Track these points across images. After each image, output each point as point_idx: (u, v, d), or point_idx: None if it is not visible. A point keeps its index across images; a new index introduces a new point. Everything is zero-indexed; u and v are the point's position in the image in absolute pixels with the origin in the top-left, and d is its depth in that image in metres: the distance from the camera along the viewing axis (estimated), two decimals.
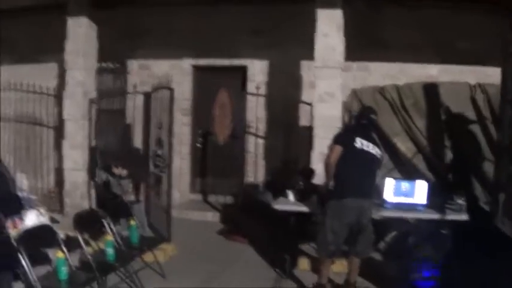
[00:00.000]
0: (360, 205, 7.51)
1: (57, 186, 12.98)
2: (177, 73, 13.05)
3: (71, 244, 7.10)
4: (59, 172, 12.68)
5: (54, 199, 12.51)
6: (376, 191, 8.34)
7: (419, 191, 8.44)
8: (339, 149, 7.52)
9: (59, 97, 12.74)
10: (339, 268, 8.48)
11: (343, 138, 7.72)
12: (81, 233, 7.34)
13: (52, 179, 13.53)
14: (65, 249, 6.64)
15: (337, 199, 7.52)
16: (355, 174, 7.49)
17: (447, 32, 11.66)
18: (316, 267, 8.25)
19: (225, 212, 12.30)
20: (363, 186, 7.56)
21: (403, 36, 11.88)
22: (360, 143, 7.55)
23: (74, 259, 7.08)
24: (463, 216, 7.95)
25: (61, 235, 7.26)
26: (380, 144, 8.03)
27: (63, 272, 6.39)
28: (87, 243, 7.46)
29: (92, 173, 11.62)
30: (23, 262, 6.03)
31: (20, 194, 10.33)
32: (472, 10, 11.21)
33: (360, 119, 8.09)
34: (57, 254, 6.51)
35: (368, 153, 7.61)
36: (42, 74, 13.33)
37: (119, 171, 10.92)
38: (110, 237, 7.51)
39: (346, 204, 7.45)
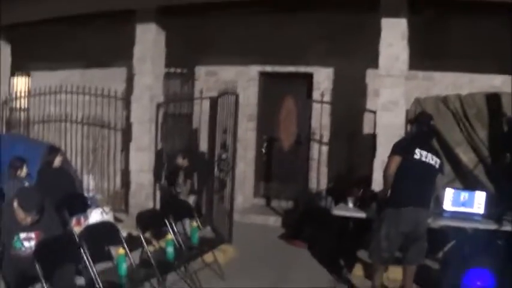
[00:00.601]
0: (416, 215, 7.61)
1: (123, 187, 13.32)
2: (244, 79, 13.27)
3: (133, 243, 7.35)
4: (125, 174, 13.04)
5: (120, 200, 12.83)
6: (436, 200, 8.42)
7: (478, 201, 8.55)
8: (397, 159, 7.63)
9: (127, 101, 13.09)
10: (395, 275, 8.54)
11: (403, 149, 7.77)
12: (143, 231, 7.58)
13: (118, 180, 13.86)
14: (126, 246, 6.87)
15: (394, 208, 7.62)
16: (413, 184, 7.56)
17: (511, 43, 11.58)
18: (370, 274, 8.35)
19: (287, 216, 12.41)
20: (420, 196, 7.64)
21: (467, 46, 11.82)
22: (419, 154, 7.63)
23: (135, 257, 7.31)
24: None
25: (123, 233, 7.50)
26: (439, 151, 8.11)
27: (123, 268, 6.61)
28: (149, 242, 7.69)
29: (157, 175, 11.90)
30: (85, 256, 6.27)
31: (86, 194, 10.72)
32: None
33: (421, 126, 8.12)
34: (119, 251, 6.73)
35: (426, 164, 7.68)
36: (111, 78, 13.73)
37: (182, 162, 11.18)
38: (170, 237, 7.74)
39: (403, 213, 7.56)
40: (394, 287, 8.37)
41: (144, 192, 11.99)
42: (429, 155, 7.70)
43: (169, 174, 11.64)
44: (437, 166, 7.79)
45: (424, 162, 7.65)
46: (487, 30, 11.61)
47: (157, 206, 11.59)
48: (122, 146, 13.83)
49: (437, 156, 7.91)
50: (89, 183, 12.33)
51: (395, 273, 8.59)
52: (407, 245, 7.80)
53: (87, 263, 6.27)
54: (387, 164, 7.79)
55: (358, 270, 9.09)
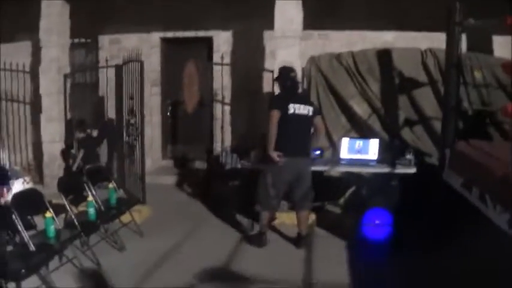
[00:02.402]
0: (297, 164, 8.41)
1: (35, 159, 13.46)
2: (146, 46, 13.47)
3: (54, 210, 7.64)
4: (36, 146, 13.21)
5: (33, 171, 13.00)
6: (333, 149, 9.13)
7: (372, 148, 9.31)
8: (277, 113, 8.25)
9: (33, 74, 13.22)
10: (291, 220, 9.30)
11: (278, 104, 8.40)
12: (65, 195, 7.96)
13: (30, 153, 13.91)
14: (51, 210, 7.25)
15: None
16: (292, 137, 8.32)
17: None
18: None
19: (195, 175, 12.89)
20: (300, 147, 8.43)
21: (361, 4, 12.55)
22: (292, 108, 8.35)
23: (59, 222, 7.62)
24: (412, 170, 8.78)
25: None
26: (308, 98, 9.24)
27: (52, 229, 7.00)
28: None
29: (68, 144, 12.15)
30: (17, 223, 6.62)
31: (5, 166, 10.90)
32: None
33: (284, 81, 8.75)
34: (46, 214, 7.08)
35: (301, 115, 8.43)
36: (17, 52, 13.69)
37: (78, 134, 11.69)
38: (90, 198, 8.13)
39: (285, 163, 8.25)
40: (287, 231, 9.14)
41: (57, 163, 12.16)
42: (301, 106, 8.43)
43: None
44: (310, 113, 8.52)
45: (298, 115, 8.38)
46: None
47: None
48: (31, 118, 13.90)
49: (309, 102, 8.74)
50: (2, 157, 12.44)
51: (290, 219, 9.34)
52: (294, 193, 8.58)
53: (19, 227, 6.58)
54: (270, 119, 8.30)
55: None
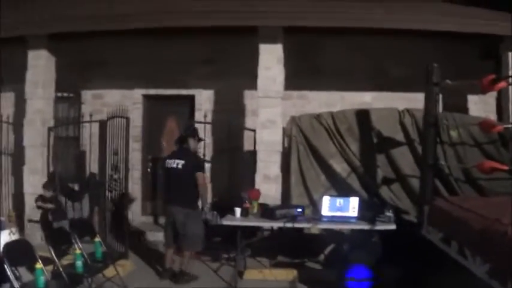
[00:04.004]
0: (170, 210, 9.68)
1: (15, 210, 13.42)
2: (129, 102, 13.51)
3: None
4: (17, 197, 13.23)
5: (13, 222, 12.98)
6: (314, 208, 9.36)
7: (352, 206, 9.48)
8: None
9: (15, 125, 13.30)
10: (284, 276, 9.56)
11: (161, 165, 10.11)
12: (54, 247, 8.04)
13: (10, 203, 13.82)
14: (40, 261, 7.34)
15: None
16: (169, 188, 9.76)
17: (381, 61, 12.85)
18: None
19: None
20: (175, 196, 9.54)
21: (339, 66, 12.97)
22: (168, 163, 9.63)
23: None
24: (391, 226, 8.95)
25: None
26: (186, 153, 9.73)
27: (42, 280, 7.08)
28: (52, 261, 8.06)
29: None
30: (9, 273, 6.73)
31: None
32: (404, 39, 12.26)
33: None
34: (36, 265, 7.16)
35: (175, 169, 9.51)
36: None
37: (47, 193, 11.50)
38: (78, 251, 8.21)
39: (166, 209, 9.91)
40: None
41: (39, 214, 11.86)
42: (176, 160, 9.58)
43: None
44: (179, 167, 9.49)
45: (172, 168, 9.59)
46: (358, 50, 12.85)
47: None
48: (12, 169, 13.86)
49: (184, 157, 9.59)
50: None
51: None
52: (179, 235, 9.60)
53: (12, 277, 6.70)
54: None
55: (249, 274, 9.89)
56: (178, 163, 9.46)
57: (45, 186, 11.64)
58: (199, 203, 9.78)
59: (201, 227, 9.61)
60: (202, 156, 12.03)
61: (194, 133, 9.90)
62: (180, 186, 9.41)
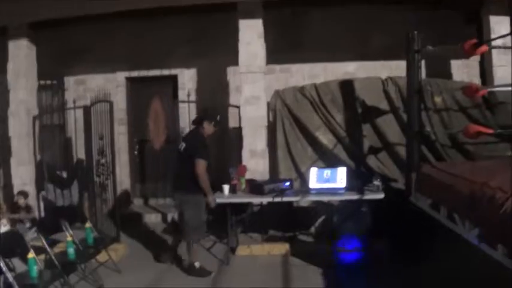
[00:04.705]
0: (175, 196, 9.22)
1: (5, 202, 13.34)
2: (112, 85, 13.49)
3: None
4: (6, 188, 13.20)
5: (3, 214, 12.94)
6: (302, 180, 9.33)
7: (340, 177, 9.46)
8: None
9: (0, 116, 13.14)
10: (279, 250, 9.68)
11: None
12: (45, 236, 8.04)
13: (0, 196, 13.70)
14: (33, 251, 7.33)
15: None
16: (174, 171, 9.46)
17: (363, 30, 12.80)
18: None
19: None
20: (176, 181, 9.21)
21: (321, 37, 12.93)
22: (179, 146, 9.16)
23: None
24: (380, 195, 8.98)
25: None
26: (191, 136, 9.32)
27: (34, 270, 7.08)
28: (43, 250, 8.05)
29: (39, 186, 12.20)
30: (2, 264, 6.74)
31: None
32: (385, 8, 12.34)
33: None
34: (29, 255, 7.13)
35: (179, 151, 9.12)
36: None
37: (22, 202, 11.36)
38: (69, 238, 8.20)
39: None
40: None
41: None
42: (183, 144, 9.12)
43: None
44: (181, 150, 9.09)
45: (180, 151, 9.11)
46: (339, 21, 12.81)
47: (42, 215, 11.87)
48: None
49: (188, 140, 9.18)
50: None
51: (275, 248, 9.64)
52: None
53: (4, 267, 6.71)
54: None
55: (241, 250, 9.93)
56: (182, 145, 9.08)
57: (20, 193, 11.59)
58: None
59: (199, 215, 8.95)
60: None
61: (209, 117, 9.25)
62: (180, 169, 9.09)
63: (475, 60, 12.33)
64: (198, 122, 9.20)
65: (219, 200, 9.38)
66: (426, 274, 7.78)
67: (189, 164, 8.72)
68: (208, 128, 9.10)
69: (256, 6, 11.39)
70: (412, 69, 9.04)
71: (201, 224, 8.97)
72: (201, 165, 8.68)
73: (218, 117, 9.37)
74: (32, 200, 11.99)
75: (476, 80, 12.45)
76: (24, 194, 11.44)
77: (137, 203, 14.20)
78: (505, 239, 5.00)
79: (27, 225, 10.88)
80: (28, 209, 11.34)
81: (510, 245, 4.90)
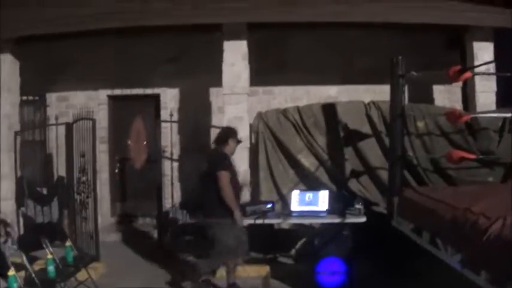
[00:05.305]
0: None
1: None
2: (94, 103, 13.46)
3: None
4: None
5: None
6: (283, 202, 9.31)
7: (322, 200, 9.48)
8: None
9: None
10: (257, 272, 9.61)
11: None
12: (26, 253, 7.94)
13: None
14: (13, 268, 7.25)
15: None
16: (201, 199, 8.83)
17: (346, 54, 12.90)
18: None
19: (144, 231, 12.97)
20: (202, 206, 8.80)
21: (304, 59, 12.97)
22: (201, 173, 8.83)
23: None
24: (362, 219, 9.01)
25: None
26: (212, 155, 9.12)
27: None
28: (23, 267, 7.96)
29: (19, 202, 12.06)
30: None
31: None
32: (368, 32, 12.38)
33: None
34: (9, 273, 7.02)
35: (202, 174, 8.80)
36: None
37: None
38: (50, 256, 8.06)
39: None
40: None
41: (8, 220, 11.71)
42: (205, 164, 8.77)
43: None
44: (204, 169, 8.79)
45: (205, 173, 8.70)
46: (322, 44, 12.89)
47: (22, 232, 11.70)
48: None
49: (207, 159, 8.89)
50: None
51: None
52: None
53: None
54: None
55: (222, 272, 9.75)
56: (205, 166, 8.77)
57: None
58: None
59: (227, 239, 8.45)
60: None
61: (234, 134, 9.12)
62: (204, 192, 8.70)
63: (457, 86, 12.42)
64: (223, 141, 8.94)
65: (200, 221, 9.41)
66: None
67: (214, 186, 8.42)
68: (233, 145, 9.00)
69: (241, 28, 11.42)
70: (395, 94, 9.15)
71: (228, 247, 8.53)
72: (223, 176, 8.34)
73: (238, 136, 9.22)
74: (11, 216, 11.86)
75: (458, 106, 12.53)
76: None
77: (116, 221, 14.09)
78: (488, 265, 5.01)
79: (2, 239, 10.78)
80: (5, 223, 11.16)
81: (493, 271, 4.91)
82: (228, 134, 9.04)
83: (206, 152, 9.59)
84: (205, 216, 8.63)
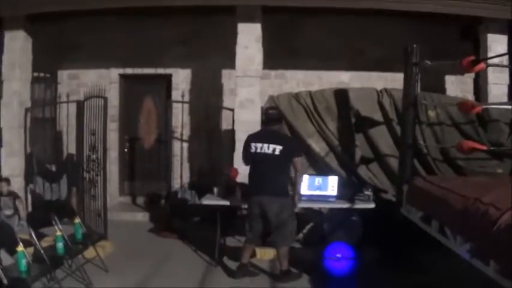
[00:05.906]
0: (261, 201, 8.45)
1: None
2: (105, 82, 13.35)
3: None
4: None
5: None
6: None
7: (331, 185, 9.48)
8: (243, 154, 8.83)
9: None
10: (268, 255, 9.67)
11: (244, 146, 8.83)
12: (34, 230, 7.97)
13: None
14: (22, 244, 7.28)
15: (249, 195, 8.71)
16: (255, 175, 8.62)
17: (359, 41, 12.92)
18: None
19: (154, 211, 12.95)
20: (263, 184, 8.47)
21: (317, 45, 13.02)
22: (254, 147, 8.56)
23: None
24: (371, 205, 9.03)
25: None
26: (283, 137, 8.96)
27: (23, 263, 7.02)
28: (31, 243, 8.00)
29: (28, 179, 12.13)
30: None
31: None
32: (381, 20, 12.37)
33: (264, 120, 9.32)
34: (18, 248, 7.08)
35: (264, 154, 8.48)
36: None
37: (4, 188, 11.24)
38: (59, 233, 8.08)
39: (252, 200, 8.59)
40: (265, 265, 9.36)
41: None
42: (265, 145, 8.50)
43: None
44: (276, 153, 8.44)
45: (261, 153, 8.49)
46: (336, 30, 12.91)
47: (30, 209, 11.73)
48: None
49: (278, 142, 8.53)
50: None
51: (268, 254, 9.64)
52: (271, 229, 8.62)
53: None
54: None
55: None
56: (274, 148, 8.45)
57: (2, 180, 11.29)
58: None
59: (294, 219, 8.70)
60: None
61: (281, 115, 9.30)
62: (275, 173, 8.51)
63: (469, 76, 12.44)
64: (279, 121, 9.02)
65: (209, 202, 9.51)
66: (415, 284, 7.81)
67: (286, 166, 8.58)
68: (281, 126, 9.24)
69: (256, 11, 11.39)
70: (409, 82, 9.08)
71: (295, 228, 8.89)
72: (303, 161, 9.02)
73: None
74: (19, 192, 11.70)
75: (470, 96, 12.55)
76: (6, 180, 11.22)
77: (124, 200, 14.20)
78: (497, 256, 5.03)
79: (8, 212, 10.79)
80: (15, 195, 11.19)
81: (502, 262, 4.93)
82: (281, 113, 9.26)
83: (262, 131, 9.24)
84: (276, 195, 8.42)
